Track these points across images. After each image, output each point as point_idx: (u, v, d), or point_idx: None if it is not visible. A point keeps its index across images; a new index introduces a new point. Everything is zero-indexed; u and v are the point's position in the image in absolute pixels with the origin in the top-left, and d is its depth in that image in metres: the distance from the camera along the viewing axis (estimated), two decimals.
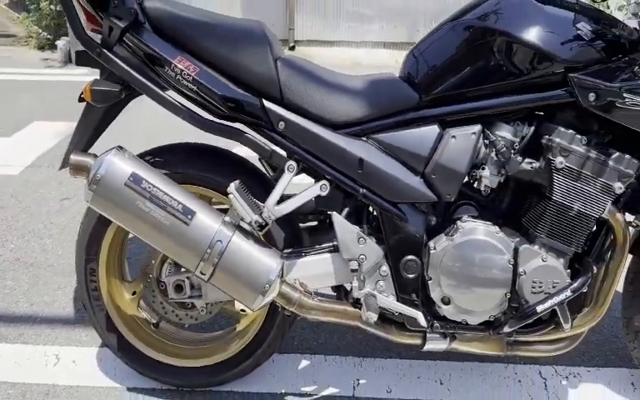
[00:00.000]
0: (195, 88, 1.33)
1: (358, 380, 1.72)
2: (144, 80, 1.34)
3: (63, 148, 1.48)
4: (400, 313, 1.45)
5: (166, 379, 1.62)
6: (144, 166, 1.30)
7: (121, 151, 1.30)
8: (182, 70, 1.31)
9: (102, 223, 1.50)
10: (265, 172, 1.55)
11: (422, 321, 1.44)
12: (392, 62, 6.94)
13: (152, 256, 1.53)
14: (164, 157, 1.45)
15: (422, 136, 1.38)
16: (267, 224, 1.35)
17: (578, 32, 1.30)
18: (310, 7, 7.00)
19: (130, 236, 1.57)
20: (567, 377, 1.75)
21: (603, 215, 1.35)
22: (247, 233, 1.34)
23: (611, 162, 1.31)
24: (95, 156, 1.31)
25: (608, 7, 1.97)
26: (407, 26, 7.15)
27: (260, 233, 1.36)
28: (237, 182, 1.32)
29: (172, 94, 1.36)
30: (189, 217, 1.28)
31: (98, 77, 1.40)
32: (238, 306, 1.62)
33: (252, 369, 1.62)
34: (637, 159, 1.31)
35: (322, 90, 1.39)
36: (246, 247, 1.31)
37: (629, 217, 1.42)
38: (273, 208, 1.35)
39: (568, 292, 1.35)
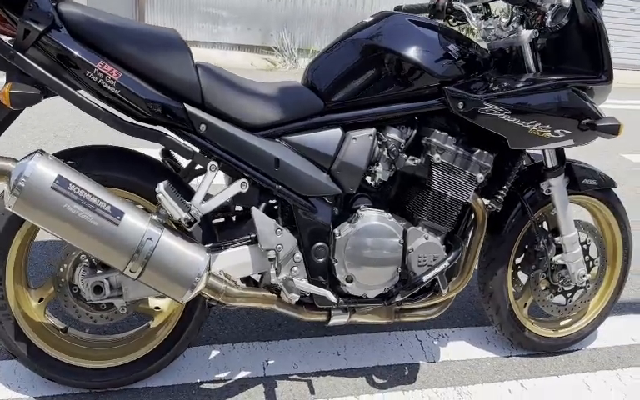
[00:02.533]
0: (118, 92, 1.37)
1: (267, 361, 1.87)
2: (63, 84, 1.35)
3: None
4: (311, 294, 1.64)
5: (79, 382, 1.61)
6: (68, 168, 1.31)
7: (44, 154, 1.30)
8: (104, 75, 1.35)
9: (8, 230, 1.46)
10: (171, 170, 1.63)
11: (332, 298, 1.64)
12: (246, 64, 7.12)
13: (64, 260, 1.52)
14: (78, 160, 1.46)
15: (328, 138, 1.58)
16: (195, 221, 1.44)
17: (448, 51, 1.61)
18: (161, 5, 6.85)
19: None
20: (437, 338, 2.10)
21: (469, 200, 1.68)
22: (174, 231, 1.42)
23: (474, 157, 1.64)
24: (15, 160, 1.29)
25: (463, 30, 2.36)
26: (260, 29, 7.35)
27: (188, 230, 1.45)
28: (166, 181, 1.39)
29: (90, 97, 1.39)
30: (118, 217, 1.32)
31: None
32: (153, 303, 1.68)
33: (169, 363, 1.68)
34: (492, 154, 1.66)
35: (240, 95, 1.51)
36: (175, 244, 1.39)
37: (485, 202, 1.78)
38: (200, 205, 1.45)
39: (446, 263, 1.66)
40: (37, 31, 1.29)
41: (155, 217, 1.40)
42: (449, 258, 1.67)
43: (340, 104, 1.58)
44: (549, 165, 1.81)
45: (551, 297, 2.01)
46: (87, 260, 1.52)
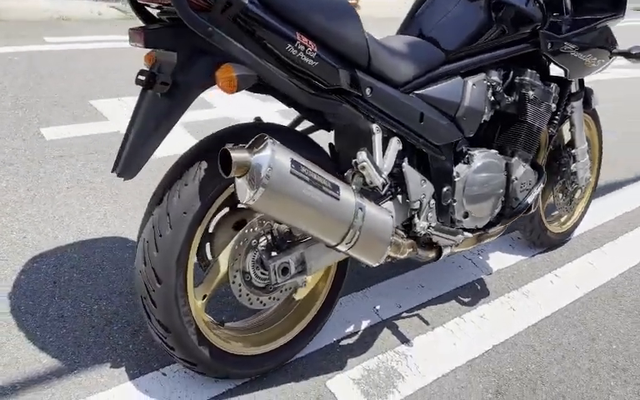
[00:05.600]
0: (316, 64, 1.30)
1: (375, 307, 1.97)
2: (259, 60, 1.23)
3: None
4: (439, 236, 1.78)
5: (255, 370, 1.55)
6: (291, 150, 1.24)
7: (271, 138, 1.20)
8: (305, 47, 1.27)
9: (189, 235, 1.31)
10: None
11: (459, 237, 1.79)
12: (94, 15, 6.36)
13: (237, 250, 1.42)
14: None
15: (452, 86, 1.69)
16: (386, 183, 1.46)
17: None
18: None
19: None
20: (479, 254, 2.40)
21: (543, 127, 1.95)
22: (368, 195, 1.43)
23: (551, 90, 1.90)
24: (247, 149, 1.17)
25: None
26: None
27: (381, 193, 1.46)
28: (364, 151, 1.39)
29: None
30: (337, 192, 1.30)
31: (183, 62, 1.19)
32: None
33: (323, 325, 1.69)
34: (559, 86, 1.94)
35: (388, 54, 1.53)
36: (374, 210, 1.40)
37: None
38: (384, 168, 1.47)
39: (541, 185, 1.93)
40: (241, 4, 1.16)
41: (354, 186, 1.39)
42: (542, 180, 1.93)
43: (458, 54, 1.69)
44: (573, 90, 2.16)
45: (563, 200, 2.43)
46: (261, 245, 1.44)
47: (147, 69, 1.29)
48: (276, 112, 3.75)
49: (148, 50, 1.32)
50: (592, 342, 1.96)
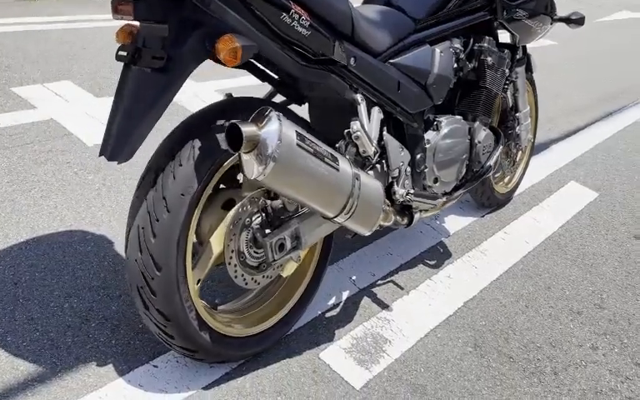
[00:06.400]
0: (308, 33, 1.28)
1: (351, 277, 2.00)
2: (255, 30, 1.20)
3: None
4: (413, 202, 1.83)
5: (252, 350, 1.53)
6: (293, 122, 1.22)
7: (274, 111, 1.17)
8: (300, 16, 1.24)
9: (190, 211, 1.26)
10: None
11: (434, 202, 1.85)
12: None
13: (232, 230, 1.38)
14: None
15: (423, 54, 1.73)
16: (377, 152, 1.47)
17: None
18: None
19: None
20: (436, 220, 2.49)
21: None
22: (359, 165, 1.44)
23: (505, 56, 2.00)
24: (253, 123, 1.13)
25: None
26: None
27: (372, 162, 1.47)
28: (358, 121, 1.39)
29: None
30: (336, 163, 1.30)
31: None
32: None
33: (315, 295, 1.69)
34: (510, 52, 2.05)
35: (367, 23, 1.53)
36: (367, 178, 1.42)
37: None
38: (373, 137, 1.48)
39: (501, 146, 2.03)
40: None
41: (347, 155, 1.40)
42: (501, 142, 2.04)
43: (426, 22, 1.73)
44: (518, 57, 2.28)
45: (508, 162, 2.58)
46: (255, 223, 1.41)
47: (128, 44, 1.21)
48: (215, 91, 3.65)
49: (122, 24, 1.24)
50: (547, 290, 2.11)
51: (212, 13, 1.11)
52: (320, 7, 1.32)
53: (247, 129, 1.10)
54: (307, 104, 1.72)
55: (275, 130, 1.13)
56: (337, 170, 1.29)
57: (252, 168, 1.13)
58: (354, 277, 2.01)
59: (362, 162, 1.47)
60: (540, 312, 1.98)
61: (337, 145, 1.43)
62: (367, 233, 1.48)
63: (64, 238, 1.93)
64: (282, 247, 1.42)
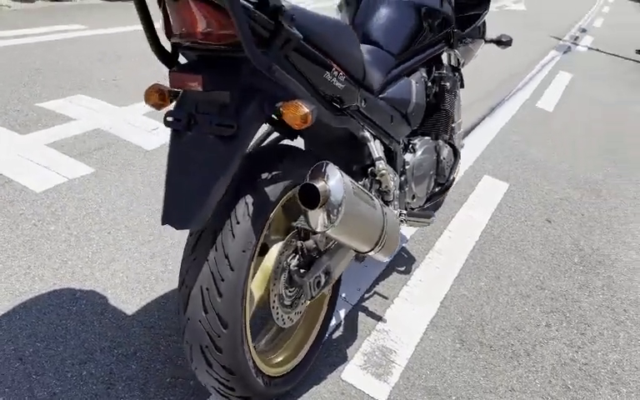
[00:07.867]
0: (343, 86, 1.37)
1: (342, 295, 2.12)
2: (307, 92, 1.27)
3: None
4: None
5: (293, 384, 1.60)
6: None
7: (327, 162, 1.25)
8: (338, 73, 1.33)
9: (249, 265, 1.30)
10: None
11: (432, 219, 2.03)
12: None
13: (274, 276, 1.44)
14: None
15: (404, 86, 1.89)
16: (396, 185, 1.60)
17: (450, 2, 2.09)
18: None
19: None
20: None
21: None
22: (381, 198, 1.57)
23: (457, 79, 2.23)
24: (317, 178, 1.20)
25: None
26: None
27: (392, 195, 1.60)
28: (381, 160, 1.51)
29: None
30: (373, 202, 1.42)
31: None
32: None
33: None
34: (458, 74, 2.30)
35: (367, 64, 1.65)
36: (387, 210, 1.55)
37: None
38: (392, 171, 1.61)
39: (460, 160, 2.27)
40: (298, 39, 1.18)
41: (374, 192, 1.52)
42: (458, 156, 2.28)
43: (402, 56, 1.90)
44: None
45: None
46: (293, 266, 1.48)
47: (177, 110, 1.21)
48: (142, 115, 3.51)
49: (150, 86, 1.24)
50: (497, 280, 2.42)
51: (275, 80, 1.16)
52: (347, 60, 1.42)
53: (322, 187, 1.17)
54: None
55: (339, 183, 1.22)
56: (375, 208, 1.41)
57: (320, 221, 1.21)
58: (344, 295, 2.14)
59: (380, 195, 1.60)
60: (499, 301, 2.27)
61: (362, 182, 1.54)
62: (388, 260, 1.61)
63: (52, 300, 1.81)
64: (319, 283, 1.50)
